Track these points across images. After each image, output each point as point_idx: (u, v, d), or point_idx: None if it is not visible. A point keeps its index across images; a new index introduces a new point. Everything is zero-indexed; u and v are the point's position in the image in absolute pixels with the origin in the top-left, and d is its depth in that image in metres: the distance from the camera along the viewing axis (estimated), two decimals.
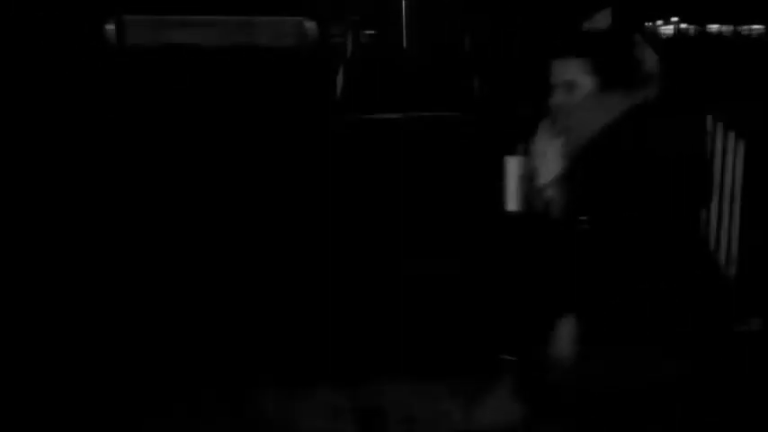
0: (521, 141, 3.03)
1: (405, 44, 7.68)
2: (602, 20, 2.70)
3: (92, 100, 6.15)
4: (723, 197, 4.33)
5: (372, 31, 7.86)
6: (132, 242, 5.06)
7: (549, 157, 2.56)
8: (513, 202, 3.33)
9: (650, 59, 2.45)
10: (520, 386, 2.78)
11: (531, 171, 2.70)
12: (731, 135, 4.31)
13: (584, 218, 2.37)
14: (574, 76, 2.37)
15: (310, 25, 7.02)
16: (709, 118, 4.54)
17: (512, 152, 3.22)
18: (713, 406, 3.09)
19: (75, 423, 3.49)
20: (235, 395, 3.68)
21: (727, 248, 4.25)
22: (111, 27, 6.79)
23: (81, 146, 5.74)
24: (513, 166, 3.34)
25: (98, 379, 3.75)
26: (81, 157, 5.71)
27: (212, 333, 4.14)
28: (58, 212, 5.21)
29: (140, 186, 5.57)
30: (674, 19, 21.94)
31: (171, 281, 4.61)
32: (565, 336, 2.45)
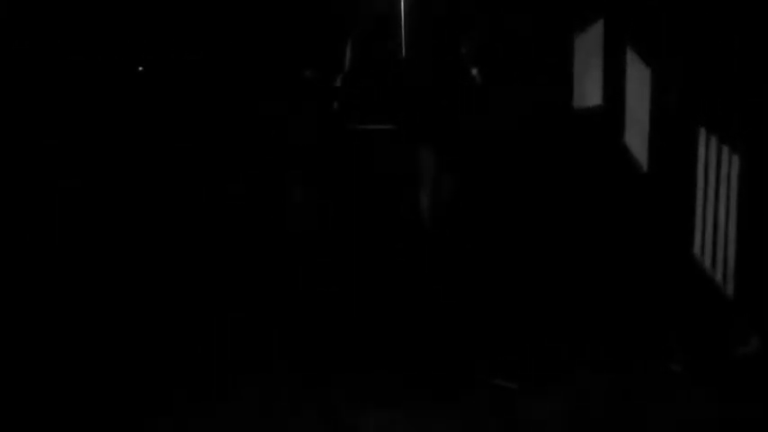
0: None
1: (404, 52, 7.63)
2: None
3: None
4: (718, 212, 4.26)
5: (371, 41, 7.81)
6: None
7: None
8: None
9: None
10: None
11: None
12: (725, 149, 4.23)
13: None
14: None
15: None
16: (703, 130, 4.46)
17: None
18: None
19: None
20: None
21: (723, 266, 4.19)
22: None
23: None
24: None
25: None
26: None
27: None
28: None
29: None
30: None
31: None
32: None
